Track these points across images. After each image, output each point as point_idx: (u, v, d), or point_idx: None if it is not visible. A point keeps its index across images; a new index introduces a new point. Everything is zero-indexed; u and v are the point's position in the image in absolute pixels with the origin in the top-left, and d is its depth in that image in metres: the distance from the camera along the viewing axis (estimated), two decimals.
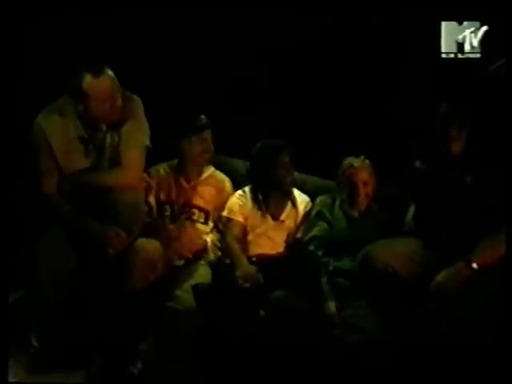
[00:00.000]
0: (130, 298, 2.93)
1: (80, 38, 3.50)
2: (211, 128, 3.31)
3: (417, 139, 3.09)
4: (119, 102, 2.99)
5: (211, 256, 3.25)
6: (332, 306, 2.95)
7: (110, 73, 2.94)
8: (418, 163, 3.02)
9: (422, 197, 2.99)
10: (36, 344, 2.93)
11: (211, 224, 3.35)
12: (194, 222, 3.33)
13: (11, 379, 2.71)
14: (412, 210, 3.08)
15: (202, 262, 3.21)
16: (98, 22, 3.53)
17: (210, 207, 3.35)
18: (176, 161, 3.41)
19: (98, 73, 2.90)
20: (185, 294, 2.99)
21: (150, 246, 3.03)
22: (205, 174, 3.40)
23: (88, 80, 2.89)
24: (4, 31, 2.61)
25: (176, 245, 3.21)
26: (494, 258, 2.70)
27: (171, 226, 3.28)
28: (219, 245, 3.29)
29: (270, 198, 3.30)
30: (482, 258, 2.71)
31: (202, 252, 3.26)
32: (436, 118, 2.89)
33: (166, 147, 3.34)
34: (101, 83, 2.90)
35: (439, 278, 2.74)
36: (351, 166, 3.19)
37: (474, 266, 2.70)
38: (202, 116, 3.31)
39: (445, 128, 2.85)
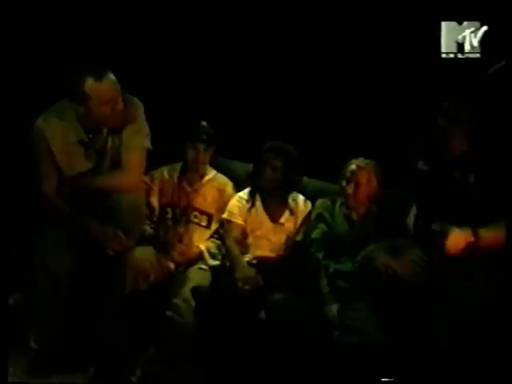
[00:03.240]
0: (124, 305, 2.94)
1: (81, 40, 3.51)
2: (211, 142, 3.30)
3: (418, 139, 3.08)
4: (120, 105, 2.99)
5: (209, 262, 3.25)
6: (333, 308, 2.92)
7: (112, 76, 2.94)
8: (420, 163, 3.01)
9: (425, 197, 2.97)
10: (35, 346, 2.95)
11: (214, 227, 3.34)
12: (195, 224, 3.33)
13: (10, 381, 2.71)
14: (413, 211, 3.06)
15: (199, 266, 3.21)
16: (99, 23, 3.54)
17: (212, 210, 3.35)
18: (180, 163, 3.41)
19: (99, 76, 2.90)
20: (184, 304, 2.98)
21: (143, 255, 3.05)
22: (207, 177, 3.40)
23: (90, 83, 2.89)
24: (4, 32, 2.62)
25: (172, 252, 3.22)
26: (497, 240, 2.67)
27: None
28: (216, 252, 3.28)
29: (269, 201, 3.29)
30: (488, 234, 2.72)
31: (196, 259, 3.25)
32: (438, 117, 2.88)
33: (167, 149, 3.35)
34: (103, 86, 2.91)
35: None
36: (353, 165, 3.18)
37: (479, 235, 2.71)
38: (204, 123, 3.30)
39: (447, 127, 2.85)
